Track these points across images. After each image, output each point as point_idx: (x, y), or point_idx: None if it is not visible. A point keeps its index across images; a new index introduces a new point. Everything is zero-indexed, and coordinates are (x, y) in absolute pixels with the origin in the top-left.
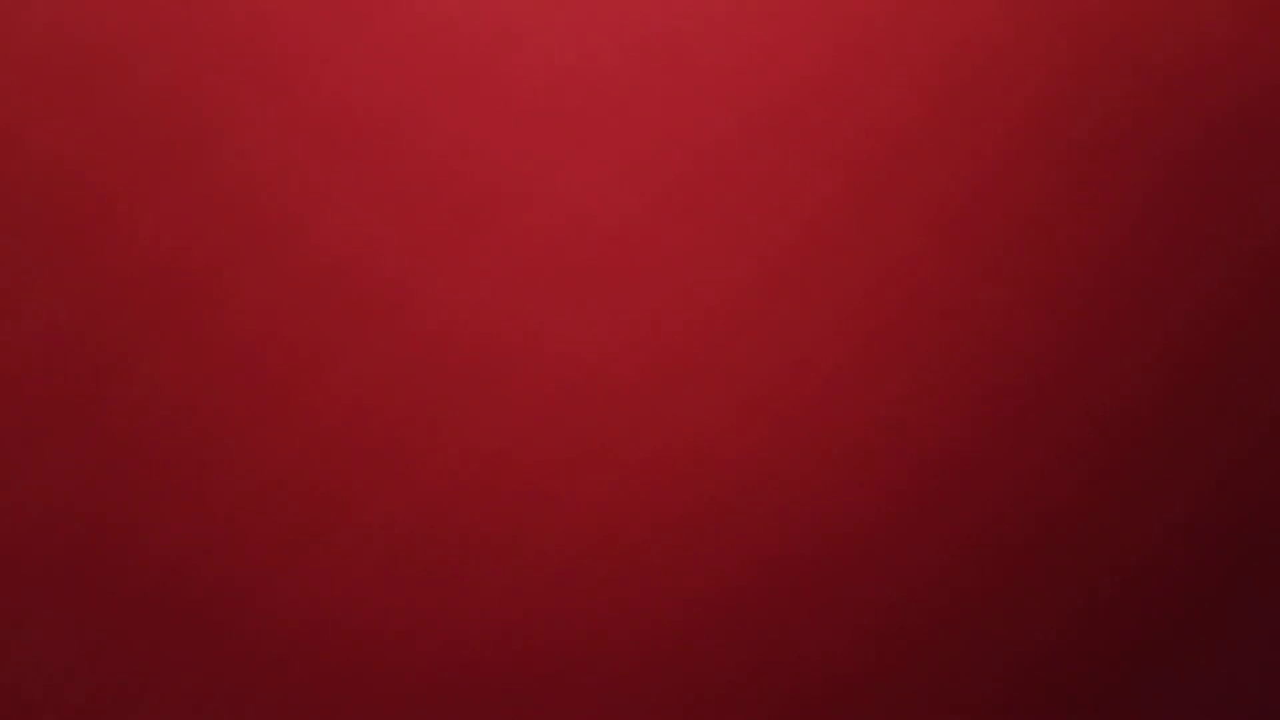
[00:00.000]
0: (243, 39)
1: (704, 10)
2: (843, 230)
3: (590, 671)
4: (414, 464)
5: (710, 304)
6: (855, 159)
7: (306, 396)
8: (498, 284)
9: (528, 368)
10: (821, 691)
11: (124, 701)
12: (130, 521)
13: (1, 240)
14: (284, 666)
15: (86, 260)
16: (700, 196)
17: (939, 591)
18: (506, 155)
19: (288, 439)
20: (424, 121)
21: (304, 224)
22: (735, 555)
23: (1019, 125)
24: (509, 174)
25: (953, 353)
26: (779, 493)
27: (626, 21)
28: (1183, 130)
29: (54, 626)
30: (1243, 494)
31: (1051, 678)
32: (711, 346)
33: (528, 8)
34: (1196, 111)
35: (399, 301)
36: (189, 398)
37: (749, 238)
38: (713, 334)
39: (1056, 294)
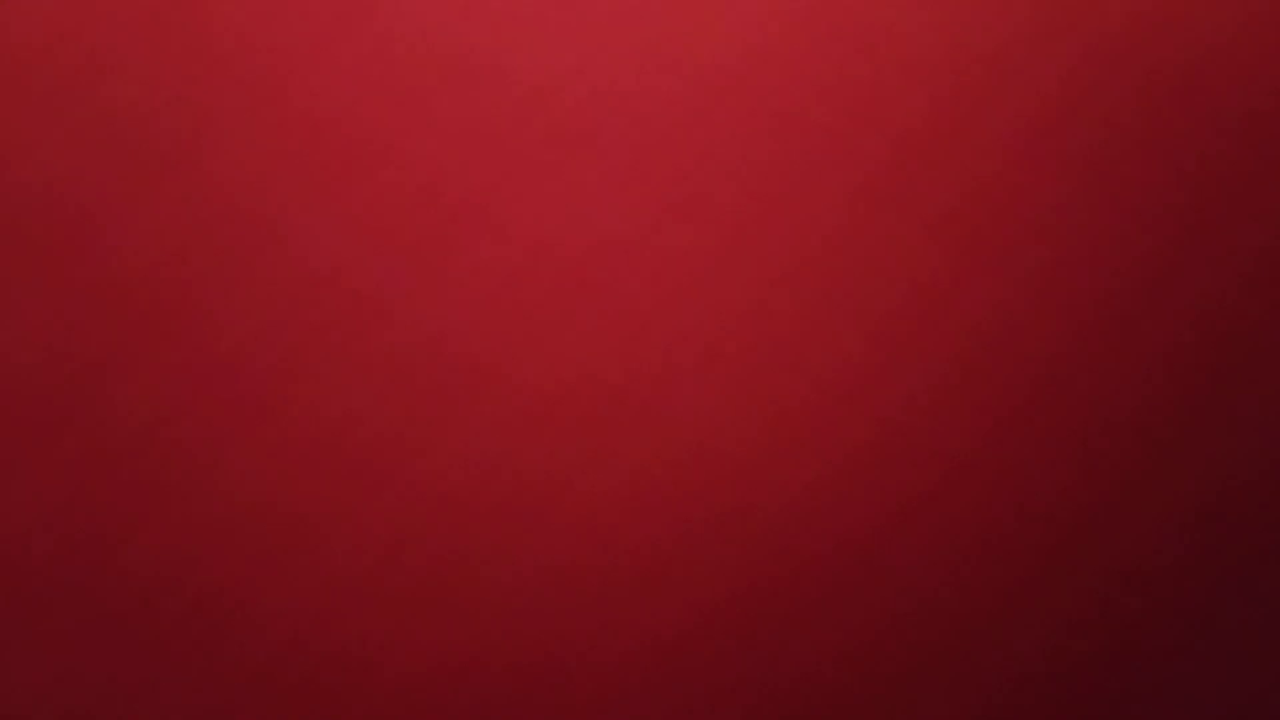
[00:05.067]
0: (228, 53)
1: (706, 18)
2: (849, 236)
3: (584, 683)
4: (399, 477)
5: (711, 312)
6: (862, 164)
7: (290, 410)
8: (486, 296)
9: (519, 377)
10: (824, 700)
11: (110, 713)
12: (111, 535)
13: None
14: (268, 679)
15: (67, 273)
16: (701, 202)
17: (944, 598)
18: (491, 169)
19: (269, 453)
20: (407, 137)
21: (288, 239)
22: (737, 564)
23: (1028, 130)
24: (494, 187)
25: (960, 358)
26: (782, 500)
27: (623, 31)
28: (1194, 134)
29: (39, 638)
30: (1256, 500)
31: (1058, 684)
32: (713, 353)
33: (514, 22)
34: (1207, 116)
35: (383, 315)
36: (169, 411)
37: (751, 245)
38: (714, 341)
39: (1066, 299)
